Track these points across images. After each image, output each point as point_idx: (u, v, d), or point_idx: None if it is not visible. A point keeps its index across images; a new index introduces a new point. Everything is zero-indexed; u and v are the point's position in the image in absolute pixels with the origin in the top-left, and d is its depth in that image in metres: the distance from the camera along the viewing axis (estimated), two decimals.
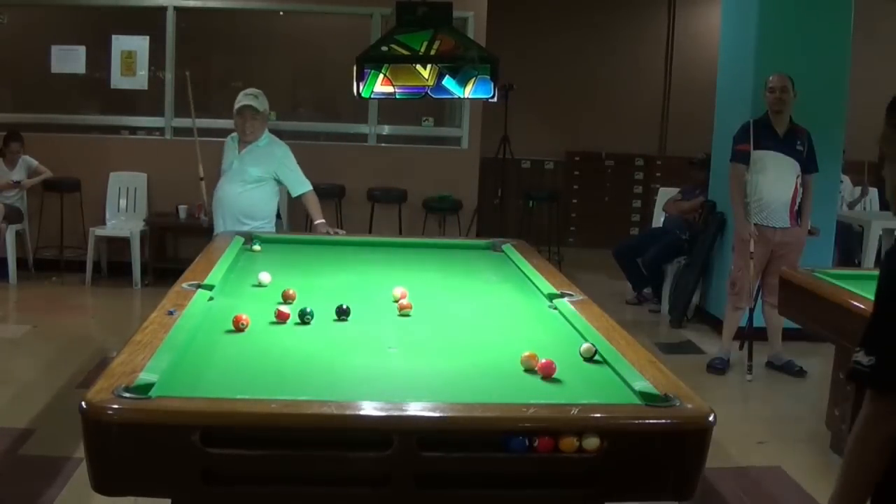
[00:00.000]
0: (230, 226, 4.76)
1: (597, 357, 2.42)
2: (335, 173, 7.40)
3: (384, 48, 4.90)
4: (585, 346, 2.47)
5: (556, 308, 3.01)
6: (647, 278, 7.06)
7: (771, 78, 5.25)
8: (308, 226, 5.08)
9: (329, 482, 1.90)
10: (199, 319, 2.64)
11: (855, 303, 3.52)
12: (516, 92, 7.64)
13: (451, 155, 7.90)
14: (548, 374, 2.25)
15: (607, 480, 1.92)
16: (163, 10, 7.48)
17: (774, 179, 5.22)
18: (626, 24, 9.82)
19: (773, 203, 5.22)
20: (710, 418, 1.95)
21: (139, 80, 7.54)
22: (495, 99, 5.21)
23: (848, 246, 7.45)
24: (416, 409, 1.94)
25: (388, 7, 5.30)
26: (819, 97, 5.66)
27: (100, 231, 7.23)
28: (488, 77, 4.87)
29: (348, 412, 1.92)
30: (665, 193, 7.51)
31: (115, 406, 1.86)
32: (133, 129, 7.81)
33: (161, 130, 7.67)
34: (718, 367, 5.38)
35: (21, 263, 7.20)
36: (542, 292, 3.24)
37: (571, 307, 2.94)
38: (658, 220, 7.46)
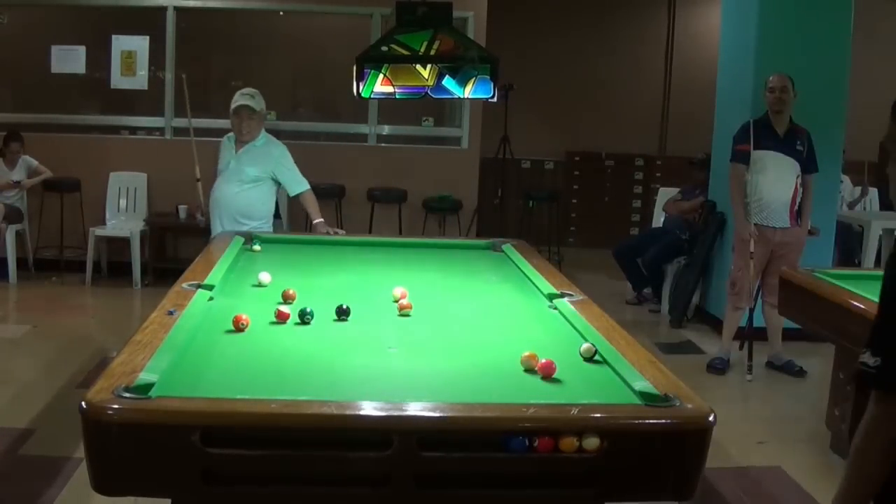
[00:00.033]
0: (227, 226, 4.75)
1: (597, 357, 2.42)
2: (335, 173, 7.40)
3: (384, 48, 4.89)
4: (585, 346, 2.47)
5: (556, 308, 3.01)
6: (647, 278, 7.06)
7: (771, 78, 5.25)
8: (308, 226, 5.08)
9: (329, 482, 1.90)
10: (199, 319, 2.64)
11: (855, 303, 3.50)
12: (516, 92, 7.63)
13: (451, 155, 7.89)
14: (548, 374, 2.25)
15: (607, 480, 1.92)
16: (163, 10, 7.47)
17: (774, 179, 5.22)
18: (626, 24, 9.81)
19: (773, 203, 5.22)
20: (710, 418, 1.96)
21: (139, 80, 7.53)
22: (495, 99, 5.21)
23: (848, 246, 7.44)
24: (416, 409, 1.94)
25: (388, 7, 5.29)
26: (819, 97, 5.65)
27: (100, 231, 7.23)
28: (488, 77, 4.87)
29: (348, 412, 1.92)
30: (665, 193, 7.51)
31: (115, 406, 1.86)
32: (133, 129, 7.81)
33: (161, 130, 7.67)
34: (718, 367, 5.38)
35: (21, 263, 7.20)
36: (542, 292, 3.24)
37: (571, 307, 2.94)
38: (658, 220, 7.45)
